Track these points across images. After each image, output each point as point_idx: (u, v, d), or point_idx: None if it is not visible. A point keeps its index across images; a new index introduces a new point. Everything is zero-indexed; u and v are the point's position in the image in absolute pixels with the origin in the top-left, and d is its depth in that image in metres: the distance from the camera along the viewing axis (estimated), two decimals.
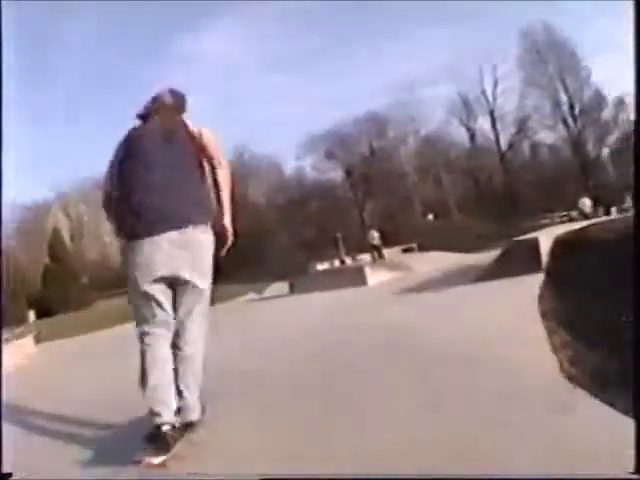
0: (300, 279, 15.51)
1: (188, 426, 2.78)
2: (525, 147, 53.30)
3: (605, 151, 47.96)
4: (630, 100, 48.86)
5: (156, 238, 2.75)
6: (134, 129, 3.03)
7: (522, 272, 7.03)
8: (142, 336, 2.80)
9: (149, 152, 2.89)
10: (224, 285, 10.90)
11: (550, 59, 49.16)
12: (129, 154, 2.92)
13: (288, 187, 53.59)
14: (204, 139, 2.99)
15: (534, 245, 7.75)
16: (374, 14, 61.36)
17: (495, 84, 51.62)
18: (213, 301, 3.13)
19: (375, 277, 12.41)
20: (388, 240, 29.24)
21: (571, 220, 27.90)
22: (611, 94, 47.19)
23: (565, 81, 49.02)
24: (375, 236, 27.40)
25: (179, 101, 3.13)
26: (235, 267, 28.14)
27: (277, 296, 14.27)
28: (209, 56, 67.55)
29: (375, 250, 26.62)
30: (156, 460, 2.51)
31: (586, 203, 25.61)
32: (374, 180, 50.27)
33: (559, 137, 50.32)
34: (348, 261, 27.63)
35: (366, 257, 27.18)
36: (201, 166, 3.00)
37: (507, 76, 50.22)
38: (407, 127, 52.80)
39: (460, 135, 53.05)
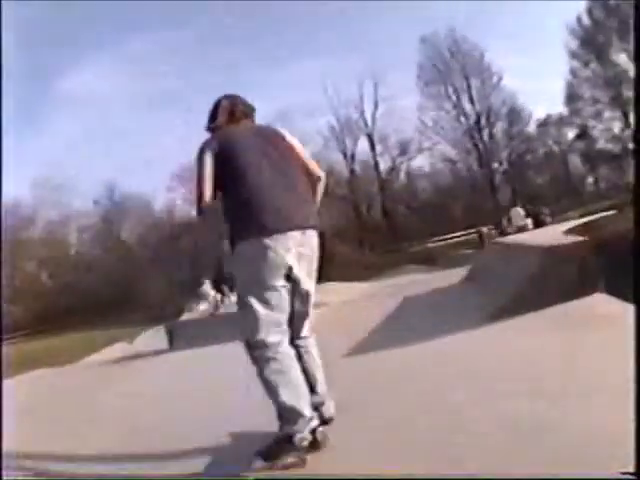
0: (180, 326, 12.39)
1: (326, 422, 2.92)
2: (418, 167, 52.35)
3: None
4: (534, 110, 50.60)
5: (283, 236, 2.79)
6: (225, 133, 3.10)
7: None
8: (264, 341, 2.78)
9: (255, 154, 2.95)
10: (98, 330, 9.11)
11: (454, 67, 47.55)
12: (232, 156, 2.94)
13: (159, 224, 50.08)
14: (297, 147, 3.20)
15: None
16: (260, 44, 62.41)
17: (375, 105, 48.98)
18: None
19: None
20: None
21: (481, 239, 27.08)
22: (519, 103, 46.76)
23: (470, 90, 47.64)
24: None
25: (252, 108, 3.35)
26: (107, 311, 25.24)
27: (149, 354, 10.78)
28: (83, 91, 61.76)
29: None
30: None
31: (520, 213, 23.17)
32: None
33: (461, 151, 48.74)
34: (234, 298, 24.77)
35: None
36: (303, 171, 3.15)
37: (389, 97, 48.32)
38: None
39: (340, 162, 51.13)
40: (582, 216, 20.20)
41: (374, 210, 49.91)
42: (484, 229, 29.21)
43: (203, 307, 22.70)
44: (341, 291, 14.08)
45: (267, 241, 2.74)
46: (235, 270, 2.89)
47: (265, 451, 2.75)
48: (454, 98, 47.80)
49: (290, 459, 2.71)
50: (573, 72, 45.25)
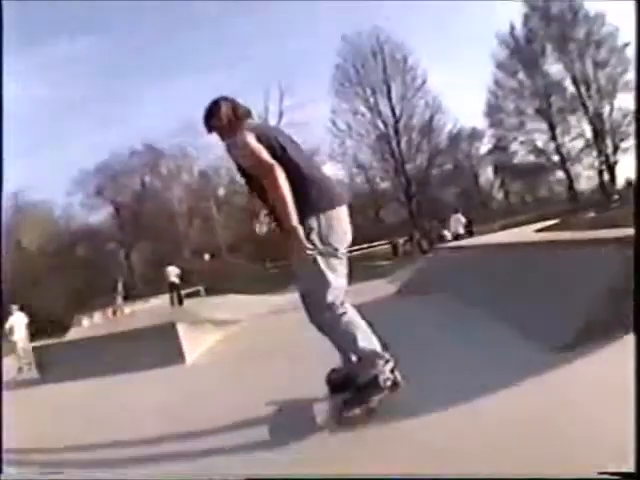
0: (54, 351, 8.12)
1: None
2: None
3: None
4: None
5: (342, 208, 3.24)
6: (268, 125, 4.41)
7: None
8: (333, 303, 3.11)
9: (294, 142, 3.39)
10: None
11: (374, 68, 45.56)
12: (286, 143, 3.27)
13: (58, 231, 48.09)
14: None
15: None
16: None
17: (280, 115, 46.99)
18: None
19: (195, 343, 7.17)
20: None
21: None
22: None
23: (390, 92, 45.68)
24: (174, 272, 21.46)
25: (248, 109, 3.56)
26: None
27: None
28: None
29: (174, 291, 21.54)
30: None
31: (461, 220, 22.10)
32: (144, 219, 45.64)
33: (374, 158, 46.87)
34: (127, 310, 22.67)
35: (154, 302, 23.43)
36: None
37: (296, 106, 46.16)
38: (181, 162, 48.66)
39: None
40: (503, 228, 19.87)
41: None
42: (399, 240, 28.08)
43: (87, 323, 20.20)
44: (249, 305, 13.59)
45: (335, 212, 3.16)
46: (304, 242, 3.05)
47: (353, 397, 3.15)
48: (372, 100, 46.15)
49: (377, 399, 3.09)
50: (497, 83, 44.99)
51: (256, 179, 3.11)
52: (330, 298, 3.08)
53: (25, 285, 35.12)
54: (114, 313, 21.91)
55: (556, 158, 43.83)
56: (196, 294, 26.06)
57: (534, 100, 43.09)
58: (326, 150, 46.59)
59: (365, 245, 37.04)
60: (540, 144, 44.17)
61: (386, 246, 35.52)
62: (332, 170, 45.81)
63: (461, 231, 21.38)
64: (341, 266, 3.16)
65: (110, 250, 47.21)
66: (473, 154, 48.38)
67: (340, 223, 3.14)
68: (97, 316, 22.06)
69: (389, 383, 3.07)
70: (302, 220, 3.02)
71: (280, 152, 3.12)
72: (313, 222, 3.06)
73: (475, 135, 47.46)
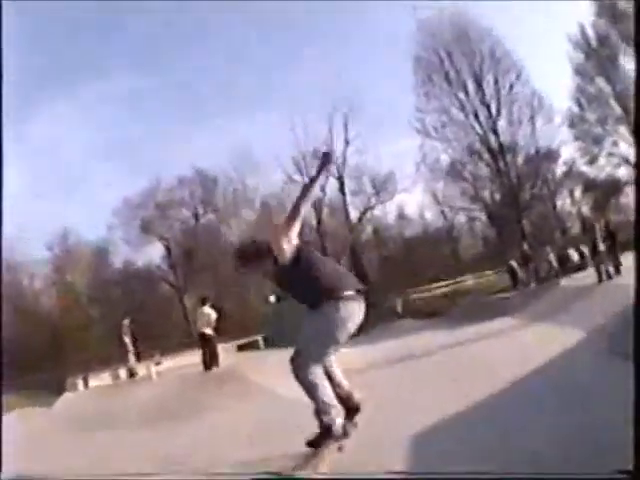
0: None
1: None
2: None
3: None
4: None
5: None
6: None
7: None
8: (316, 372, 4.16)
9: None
10: None
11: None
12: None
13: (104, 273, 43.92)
14: None
15: None
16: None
17: (346, 143, 41.50)
18: None
19: None
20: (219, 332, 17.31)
21: None
22: None
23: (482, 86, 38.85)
24: (207, 317, 14.29)
25: None
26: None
27: None
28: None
29: (206, 347, 14.35)
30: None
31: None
32: (198, 257, 40.99)
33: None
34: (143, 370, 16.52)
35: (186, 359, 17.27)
36: None
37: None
38: (239, 192, 43.64)
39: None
40: None
41: (342, 259, 43.02)
42: (514, 263, 23.67)
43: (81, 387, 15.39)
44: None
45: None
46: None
47: (314, 441, 4.17)
48: (462, 96, 38.80)
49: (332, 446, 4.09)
50: (579, 89, 38.76)
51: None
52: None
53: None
54: (131, 375, 16.52)
55: None
56: (253, 345, 21.28)
57: (615, 107, 36.97)
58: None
59: (435, 285, 33.26)
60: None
61: (492, 276, 31.81)
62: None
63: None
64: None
65: (161, 293, 43.05)
66: (549, 175, 40.52)
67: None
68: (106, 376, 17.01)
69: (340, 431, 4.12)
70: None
71: None
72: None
73: (551, 154, 39.99)
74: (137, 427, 8.18)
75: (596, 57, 37.53)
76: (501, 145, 38.54)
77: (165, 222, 43.03)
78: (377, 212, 44.71)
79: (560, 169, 40.31)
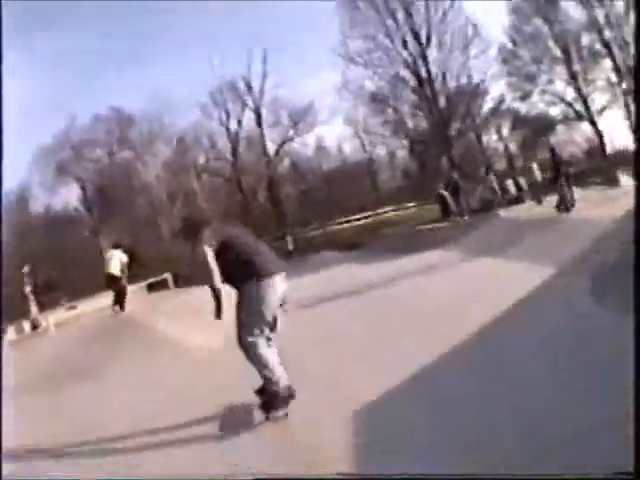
0: None
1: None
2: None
3: None
4: None
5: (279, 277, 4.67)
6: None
7: None
8: (253, 341, 4.51)
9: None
10: None
11: None
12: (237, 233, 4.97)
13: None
14: None
15: None
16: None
17: (264, 76, 40.73)
18: None
19: None
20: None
21: None
22: None
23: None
24: (117, 260, 14.02)
25: None
26: None
27: None
28: None
29: (114, 289, 14.09)
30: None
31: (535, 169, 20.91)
32: (112, 194, 39.24)
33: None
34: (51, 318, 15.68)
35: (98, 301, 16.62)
36: None
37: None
38: (155, 129, 41.77)
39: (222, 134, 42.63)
40: None
41: (260, 193, 42.82)
42: (444, 192, 22.15)
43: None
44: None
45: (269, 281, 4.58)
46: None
47: (263, 409, 4.56)
48: (390, 22, 37.66)
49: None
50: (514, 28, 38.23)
51: None
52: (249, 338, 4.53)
53: None
54: (34, 327, 15.45)
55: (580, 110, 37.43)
56: (162, 284, 20.90)
57: (552, 49, 36.97)
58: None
59: (359, 215, 33.07)
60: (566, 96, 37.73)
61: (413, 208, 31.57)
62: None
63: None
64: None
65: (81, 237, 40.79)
66: (474, 109, 40.09)
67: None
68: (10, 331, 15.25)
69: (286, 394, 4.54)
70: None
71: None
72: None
73: (482, 87, 39.54)
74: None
75: None
76: (429, 72, 37.87)
77: (80, 162, 40.93)
78: (295, 145, 43.68)
79: (489, 104, 40.07)
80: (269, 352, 4.55)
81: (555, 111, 38.62)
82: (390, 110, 40.00)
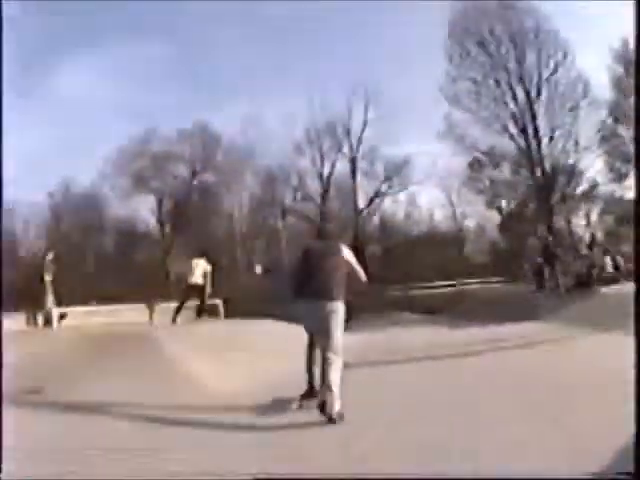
0: None
1: None
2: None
3: None
4: None
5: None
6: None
7: None
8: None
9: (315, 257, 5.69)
10: None
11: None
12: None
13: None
14: (347, 257, 5.82)
15: None
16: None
17: (364, 124, 39.19)
18: None
19: None
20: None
21: None
22: None
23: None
24: (201, 269, 13.65)
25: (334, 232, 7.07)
26: None
27: None
28: None
29: (192, 298, 13.77)
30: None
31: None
32: (190, 213, 38.19)
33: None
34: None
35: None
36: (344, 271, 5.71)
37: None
38: (245, 158, 40.49)
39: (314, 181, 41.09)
40: None
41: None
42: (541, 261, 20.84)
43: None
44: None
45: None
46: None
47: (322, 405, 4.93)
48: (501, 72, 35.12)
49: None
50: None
51: None
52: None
53: None
54: (46, 322, 13.55)
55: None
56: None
57: None
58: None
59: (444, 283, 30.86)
60: None
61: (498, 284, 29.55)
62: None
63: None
64: None
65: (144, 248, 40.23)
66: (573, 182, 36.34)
67: None
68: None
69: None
70: None
71: None
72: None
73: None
74: None
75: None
76: (536, 130, 34.82)
77: (160, 175, 40.15)
78: (386, 202, 41.85)
79: (584, 185, 36.27)
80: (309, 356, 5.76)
81: None
82: (487, 181, 37.98)
